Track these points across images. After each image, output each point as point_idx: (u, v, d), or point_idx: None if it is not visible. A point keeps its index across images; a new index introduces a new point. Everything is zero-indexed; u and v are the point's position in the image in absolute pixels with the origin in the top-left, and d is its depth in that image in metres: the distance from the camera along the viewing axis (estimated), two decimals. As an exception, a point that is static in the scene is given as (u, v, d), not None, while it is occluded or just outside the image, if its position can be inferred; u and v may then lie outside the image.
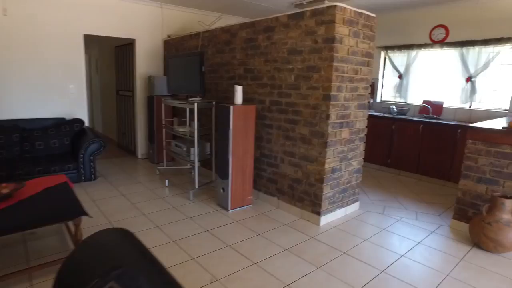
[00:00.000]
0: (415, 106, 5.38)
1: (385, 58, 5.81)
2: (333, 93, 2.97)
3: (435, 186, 4.57)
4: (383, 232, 3.08)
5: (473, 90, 4.81)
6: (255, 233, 2.99)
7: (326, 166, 3.08)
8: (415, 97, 5.48)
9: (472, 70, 4.78)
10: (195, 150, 3.78)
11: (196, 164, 3.80)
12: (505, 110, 4.57)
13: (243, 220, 3.24)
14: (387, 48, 5.64)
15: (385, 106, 5.63)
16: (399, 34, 5.48)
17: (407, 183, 4.68)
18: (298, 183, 3.33)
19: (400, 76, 5.57)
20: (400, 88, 5.59)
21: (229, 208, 3.44)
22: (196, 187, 3.85)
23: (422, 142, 4.79)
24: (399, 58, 5.59)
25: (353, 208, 3.57)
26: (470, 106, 4.90)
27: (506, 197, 2.78)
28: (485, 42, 4.57)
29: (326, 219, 3.22)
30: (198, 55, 3.67)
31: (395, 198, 3.99)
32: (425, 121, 4.77)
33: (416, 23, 5.27)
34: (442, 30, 4.97)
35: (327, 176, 3.12)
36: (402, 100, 5.62)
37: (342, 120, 3.14)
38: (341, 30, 2.91)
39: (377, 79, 5.87)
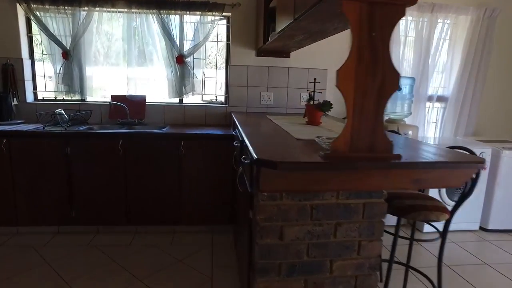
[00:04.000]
0: (102, 105, 3.16)
1: (28, 18, 3.10)
2: None
3: (164, 243, 2.65)
4: None
5: (186, 76, 3.19)
6: None
7: None
8: (99, 91, 3.26)
9: (182, 46, 3.13)
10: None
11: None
12: (223, 103, 3.34)
13: None
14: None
15: (47, 111, 3.01)
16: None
17: (116, 254, 2.45)
18: None
19: (66, 55, 3.10)
20: (71, 76, 3.11)
21: None
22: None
23: (126, 169, 2.69)
24: (59, 21, 3.05)
25: None
26: (181, 101, 3.31)
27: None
28: (188, 5, 3.02)
29: None
30: None
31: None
32: (125, 132, 2.68)
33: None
34: (125, -23, 2.96)
35: None
36: (77, 97, 3.21)
37: None
38: None
39: (21, 60, 3.07)
